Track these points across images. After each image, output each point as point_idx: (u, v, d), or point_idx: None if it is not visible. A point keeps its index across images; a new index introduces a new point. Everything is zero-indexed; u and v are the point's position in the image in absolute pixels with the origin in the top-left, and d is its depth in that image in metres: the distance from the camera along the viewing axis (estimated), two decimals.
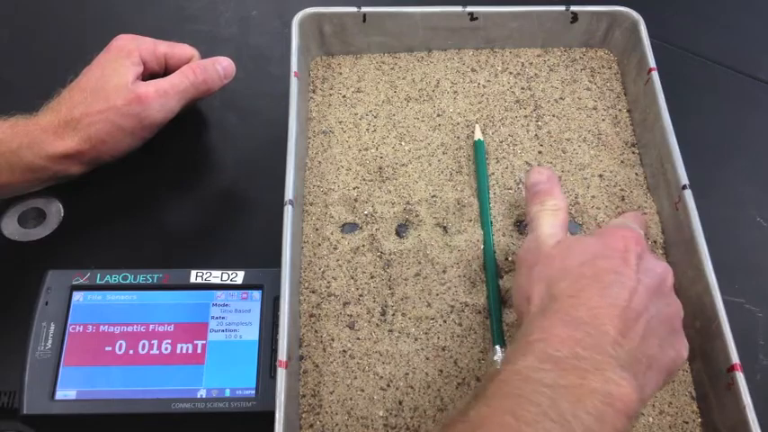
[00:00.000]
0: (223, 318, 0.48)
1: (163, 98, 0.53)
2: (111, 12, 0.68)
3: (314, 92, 0.58)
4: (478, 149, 0.55)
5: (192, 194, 0.57)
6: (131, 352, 0.47)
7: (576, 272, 0.39)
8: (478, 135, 0.55)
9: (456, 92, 0.59)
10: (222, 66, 0.56)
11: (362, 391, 0.45)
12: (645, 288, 0.38)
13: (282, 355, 0.42)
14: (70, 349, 0.46)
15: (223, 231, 0.55)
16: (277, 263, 0.45)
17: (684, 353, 0.40)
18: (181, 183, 0.58)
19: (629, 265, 0.39)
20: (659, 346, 0.38)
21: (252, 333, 0.48)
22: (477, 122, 0.57)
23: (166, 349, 0.47)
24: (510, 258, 0.51)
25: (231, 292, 0.49)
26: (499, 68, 0.60)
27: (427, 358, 0.47)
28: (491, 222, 0.52)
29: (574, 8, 0.59)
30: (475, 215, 0.52)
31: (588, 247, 0.41)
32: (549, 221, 0.44)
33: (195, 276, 0.49)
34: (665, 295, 0.40)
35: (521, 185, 0.54)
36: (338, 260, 0.50)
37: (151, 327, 0.48)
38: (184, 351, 0.47)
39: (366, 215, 0.52)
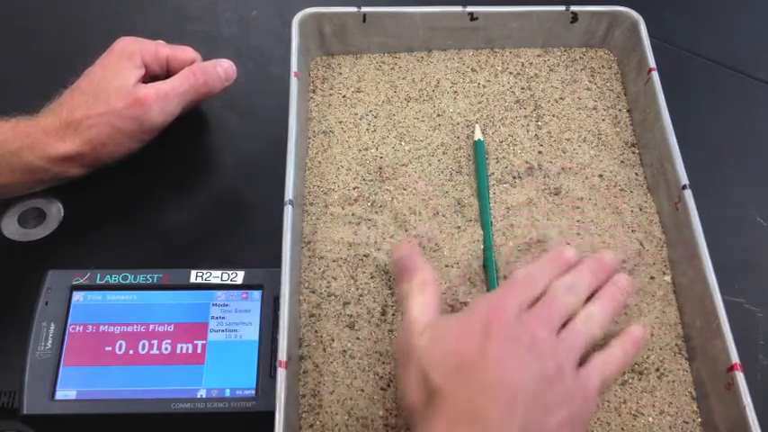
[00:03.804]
0: (223, 318, 0.48)
1: (163, 101, 0.53)
2: (111, 12, 0.68)
3: (314, 92, 0.58)
4: (478, 149, 0.55)
5: (192, 194, 0.57)
6: (131, 352, 0.47)
7: (443, 359, 0.38)
8: (478, 135, 0.55)
9: (456, 92, 0.59)
10: (223, 68, 0.56)
11: (362, 391, 0.45)
12: (515, 355, 0.37)
13: (282, 355, 0.42)
14: (70, 349, 0.46)
15: (223, 231, 0.55)
16: (277, 263, 0.45)
17: (582, 399, 0.38)
18: (181, 183, 0.58)
19: (492, 338, 0.37)
20: (552, 407, 0.37)
21: (252, 333, 0.48)
22: (477, 122, 0.57)
23: (166, 349, 0.47)
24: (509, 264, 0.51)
25: (231, 292, 0.49)
26: (499, 68, 0.60)
27: None
28: (491, 222, 0.52)
29: (574, 8, 0.59)
30: (475, 215, 0.52)
31: (450, 329, 0.39)
32: (417, 302, 0.41)
33: (195, 276, 0.49)
34: (542, 352, 0.38)
35: (517, 180, 0.54)
36: (338, 260, 0.50)
37: (151, 327, 0.48)
38: (184, 351, 0.47)
39: (366, 215, 0.52)
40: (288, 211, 0.47)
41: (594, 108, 0.58)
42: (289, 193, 0.48)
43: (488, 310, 0.39)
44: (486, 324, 0.38)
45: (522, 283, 0.41)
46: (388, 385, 0.46)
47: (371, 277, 0.49)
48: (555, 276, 0.42)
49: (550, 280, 0.41)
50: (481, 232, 0.51)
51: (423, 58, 0.61)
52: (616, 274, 0.43)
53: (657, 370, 0.47)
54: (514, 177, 0.54)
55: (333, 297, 0.49)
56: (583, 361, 0.40)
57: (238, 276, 0.49)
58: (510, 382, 0.36)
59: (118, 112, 0.52)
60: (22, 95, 0.61)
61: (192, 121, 0.61)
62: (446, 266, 0.50)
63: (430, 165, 0.55)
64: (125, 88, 0.52)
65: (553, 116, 0.58)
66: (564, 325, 0.40)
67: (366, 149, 0.55)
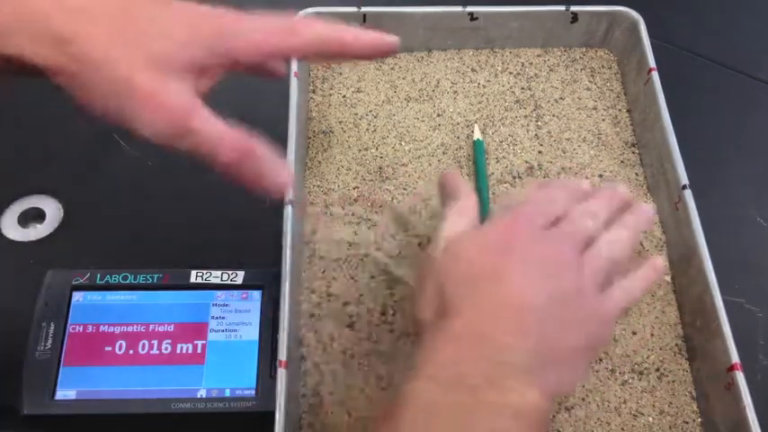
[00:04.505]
0: (223, 318, 0.48)
1: None
2: None
3: (314, 92, 0.58)
4: (478, 149, 0.55)
5: (192, 194, 0.57)
6: (131, 352, 0.47)
7: (460, 274, 0.36)
8: (477, 135, 0.55)
9: (456, 92, 0.59)
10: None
11: (362, 391, 0.45)
12: (534, 275, 0.36)
13: (282, 355, 0.42)
14: (70, 349, 0.46)
15: (223, 231, 0.55)
16: (277, 263, 0.45)
17: (598, 325, 0.37)
18: (181, 183, 0.57)
19: (513, 254, 0.36)
20: (568, 329, 0.35)
21: (252, 333, 0.48)
22: (476, 122, 0.57)
23: (166, 349, 0.47)
24: None
25: (231, 292, 0.49)
26: (499, 68, 0.60)
27: None
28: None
29: (574, 8, 0.59)
30: None
31: (471, 243, 0.38)
32: (451, 224, 0.40)
33: (195, 276, 0.49)
34: (564, 270, 0.36)
35: (517, 180, 0.54)
36: (338, 260, 0.50)
37: (151, 327, 0.48)
38: (184, 351, 0.47)
39: (366, 215, 0.52)
40: (288, 211, 0.47)
41: (594, 108, 0.58)
42: (289, 193, 0.48)
43: (510, 224, 0.38)
44: (506, 239, 0.37)
45: (543, 202, 0.39)
46: (389, 385, 0.46)
47: (371, 277, 0.49)
48: (573, 201, 0.40)
49: (569, 204, 0.40)
50: None
51: (423, 58, 0.60)
52: (634, 204, 0.42)
53: (657, 370, 0.47)
54: (514, 177, 0.54)
55: (333, 297, 0.49)
56: (603, 287, 0.38)
57: (238, 276, 0.49)
58: (523, 302, 0.35)
59: None
60: (22, 95, 0.61)
61: None
62: None
63: (430, 165, 0.55)
64: None
65: (553, 116, 0.58)
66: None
67: (366, 149, 0.55)
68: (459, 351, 0.34)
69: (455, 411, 0.32)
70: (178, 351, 0.47)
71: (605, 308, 0.37)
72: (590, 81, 0.60)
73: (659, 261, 0.41)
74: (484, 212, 0.52)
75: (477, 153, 0.55)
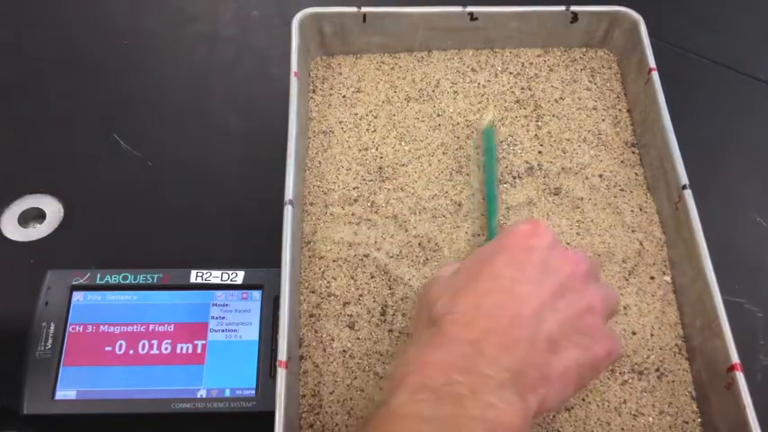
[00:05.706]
0: (223, 318, 0.48)
1: None
2: (112, 12, 0.68)
3: (314, 92, 0.58)
4: (488, 136, 0.54)
5: (192, 194, 0.57)
6: (131, 352, 0.47)
7: (458, 284, 0.35)
8: (489, 119, 0.54)
9: (456, 92, 0.59)
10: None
11: (362, 391, 0.45)
12: (539, 289, 0.34)
13: (282, 355, 0.42)
14: (70, 349, 0.46)
15: (223, 231, 0.55)
16: (277, 263, 0.45)
17: (604, 348, 0.35)
18: (181, 182, 0.58)
19: (520, 264, 0.34)
20: (559, 351, 0.34)
21: (252, 333, 0.48)
22: (492, 107, 0.56)
23: (166, 349, 0.47)
24: None
25: (231, 292, 0.49)
26: (499, 68, 0.60)
27: None
28: (496, 211, 0.51)
29: (574, 8, 0.59)
30: (474, 215, 0.52)
31: (480, 253, 0.36)
32: None
33: (195, 276, 0.49)
34: (571, 291, 0.35)
35: (517, 180, 0.54)
36: (338, 260, 0.50)
37: (151, 327, 0.48)
38: (184, 351, 0.47)
39: (366, 215, 0.52)
40: (288, 211, 0.47)
41: (594, 108, 0.58)
42: (289, 193, 0.48)
43: (521, 234, 0.36)
44: (519, 248, 0.35)
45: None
46: None
47: (371, 277, 0.49)
48: None
49: None
50: (480, 232, 0.51)
51: (423, 58, 0.60)
52: None
53: (657, 370, 0.47)
54: (514, 177, 0.54)
55: (333, 297, 0.49)
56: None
57: (238, 276, 0.49)
58: (521, 317, 0.33)
59: None
60: (23, 97, 0.61)
61: (192, 120, 0.61)
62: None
63: (430, 165, 0.55)
64: None
65: (553, 116, 0.58)
66: None
67: (366, 149, 0.55)
68: (448, 359, 0.33)
69: (443, 422, 0.31)
70: (178, 351, 0.47)
71: (613, 337, 0.36)
72: (590, 81, 0.60)
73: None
74: (491, 208, 0.52)
75: (488, 140, 0.53)
